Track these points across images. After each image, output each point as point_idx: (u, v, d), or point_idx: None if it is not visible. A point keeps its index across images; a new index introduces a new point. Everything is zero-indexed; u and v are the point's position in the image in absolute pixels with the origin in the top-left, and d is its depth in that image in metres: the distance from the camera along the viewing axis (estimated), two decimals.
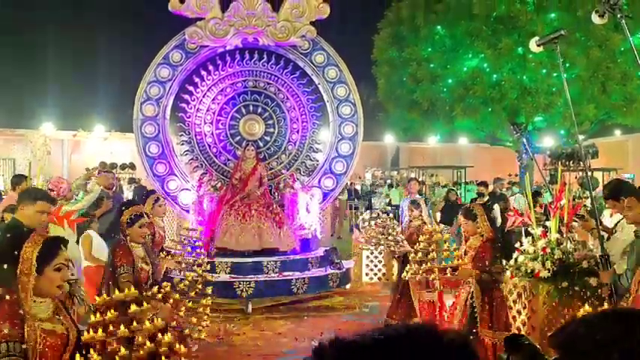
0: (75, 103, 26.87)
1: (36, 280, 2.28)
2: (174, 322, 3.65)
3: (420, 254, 4.49)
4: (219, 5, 8.23)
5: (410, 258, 4.75)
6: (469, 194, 17.03)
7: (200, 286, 4.50)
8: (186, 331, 3.88)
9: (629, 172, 21.71)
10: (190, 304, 4.00)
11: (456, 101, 13.87)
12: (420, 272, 4.48)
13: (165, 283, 3.81)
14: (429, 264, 4.45)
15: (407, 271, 4.65)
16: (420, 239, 4.64)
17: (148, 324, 2.59)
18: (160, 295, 3.57)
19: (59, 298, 2.47)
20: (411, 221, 6.05)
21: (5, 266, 2.29)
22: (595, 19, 3.91)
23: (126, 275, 3.69)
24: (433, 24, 14.25)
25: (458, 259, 4.38)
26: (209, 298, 4.27)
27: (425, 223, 5.88)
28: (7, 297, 2.25)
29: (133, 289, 3.61)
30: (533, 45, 4.35)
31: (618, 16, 3.75)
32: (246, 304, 7.03)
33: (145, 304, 2.64)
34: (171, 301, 3.59)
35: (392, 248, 5.86)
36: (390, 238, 5.84)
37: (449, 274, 4.35)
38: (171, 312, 3.56)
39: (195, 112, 8.66)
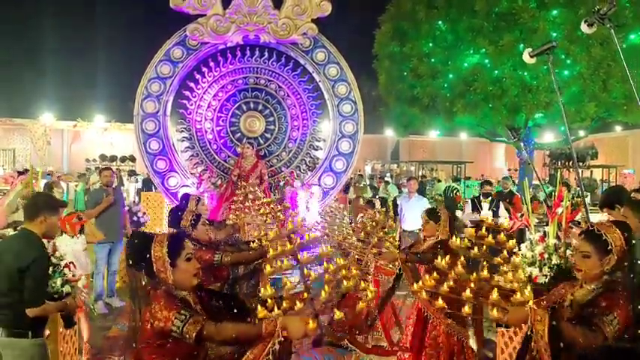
0: (75, 94, 26.83)
1: (173, 274, 2.47)
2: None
3: (362, 234, 4.50)
4: (220, 2, 8.22)
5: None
6: (469, 190, 17.06)
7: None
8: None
9: (629, 168, 21.76)
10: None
11: (457, 97, 13.82)
12: (352, 253, 4.47)
13: (255, 233, 3.91)
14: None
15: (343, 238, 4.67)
16: (362, 218, 4.64)
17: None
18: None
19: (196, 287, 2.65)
20: (364, 221, 6.09)
21: (143, 264, 2.51)
22: (584, 28, 3.93)
23: (225, 254, 3.86)
24: (434, 19, 14.18)
25: (391, 243, 4.38)
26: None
27: (377, 223, 5.91)
28: (158, 290, 2.47)
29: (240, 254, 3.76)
30: (526, 56, 4.37)
31: (607, 26, 3.78)
32: None
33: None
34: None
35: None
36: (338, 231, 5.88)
37: (373, 252, 4.32)
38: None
39: (196, 108, 8.67)
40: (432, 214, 4.57)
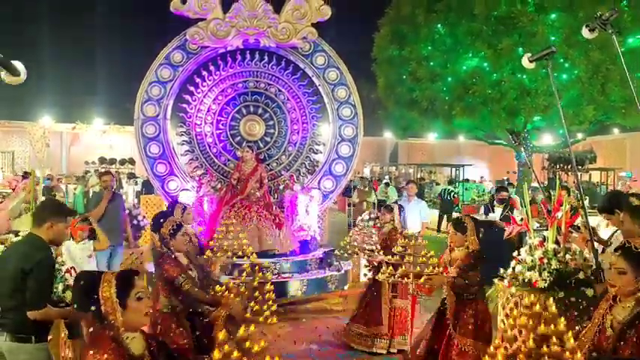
0: (74, 96, 26.80)
1: (123, 315, 2.34)
2: (249, 314, 3.71)
3: (396, 257, 4.53)
4: (220, 6, 8.24)
5: (385, 260, 4.82)
6: (467, 193, 17.11)
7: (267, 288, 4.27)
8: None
9: (627, 171, 21.81)
10: (257, 307, 4.02)
11: (456, 100, 13.87)
12: (396, 276, 4.49)
13: (225, 280, 3.87)
14: (403, 267, 4.47)
15: (382, 273, 4.69)
16: (398, 243, 4.68)
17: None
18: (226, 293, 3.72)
19: (147, 328, 2.55)
20: (382, 226, 6.11)
21: (93, 308, 2.34)
22: (585, 33, 3.95)
23: (188, 281, 3.80)
24: (434, 23, 14.23)
25: (434, 267, 4.41)
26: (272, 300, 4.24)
27: (395, 228, 5.93)
28: (105, 334, 2.30)
29: (198, 291, 3.74)
30: (525, 61, 4.39)
31: (609, 32, 3.80)
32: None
33: None
34: (235, 297, 3.71)
35: (368, 257, 5.92)
36: (366, 246, 5.89)
37: (422, 280, 4.36)
38: (242, 305, 3.69)
39: (196, 112, 8.68)
40: (458, 226, 4.60)
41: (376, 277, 5.56)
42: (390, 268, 4.59)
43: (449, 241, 4.72)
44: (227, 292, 3.69)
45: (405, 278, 4.47)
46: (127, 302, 2.36)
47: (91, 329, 2.32)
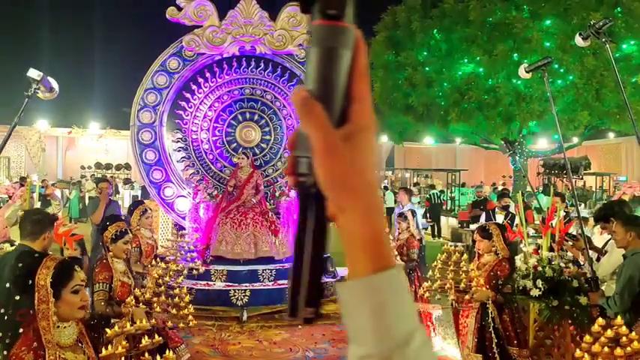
0: (69, 100, 26.74)
1: (56, 305, 2.23)
2: (154, 321, 3.70)
3: (437, 272, 4.62)
4: (216, 13, 8.27)
5: (428, 276, 4.90)
6: (463, 198, 17.14)
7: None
8: (169, 324, 3.91)
9: (622, 175, 21.89)
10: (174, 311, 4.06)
11: (451, 106, 13.94)
12: (436, 289, 4.58)
13: (137, 290, 3.90)
14: (448, 284, 4.57)
15: (422, 288, 4.78)
16: (437, 258, 4.78)
17: (128, 326, 2.70)
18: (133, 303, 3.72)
19: (82, 321, 2.44)
20: (399, 234, 6.17)
21: (18, 297, 2.23)
22: (579, 41, 3.99)
23: (101, 292, 3.78)
24: (429, 29, 14.32)
25: (471, 280, 4.50)
26: (186, 290, 4.33)
27: (413, 235, 5.97)
28: (31, 326, 2.20)
29: (102, 305, 3.74)
30: (522, 71, 4.43)
31: (603, 40, 3.84)
32: (242, 313, 7.09)
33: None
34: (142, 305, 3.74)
35: None
36: None
37: (468, 296, 4.46)
38: (144, 312, 3.67)
39: (192, 119, 8.69)
40: (483, 232, 4.74)
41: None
42: (430, 283, 4.72)
43: (476, 248, 4.83)
44: (134, 300, 3.70)
45: (449, 291, 4.59)
46: (61, 293, 2.26)
47: (20, 318, 2.22)
